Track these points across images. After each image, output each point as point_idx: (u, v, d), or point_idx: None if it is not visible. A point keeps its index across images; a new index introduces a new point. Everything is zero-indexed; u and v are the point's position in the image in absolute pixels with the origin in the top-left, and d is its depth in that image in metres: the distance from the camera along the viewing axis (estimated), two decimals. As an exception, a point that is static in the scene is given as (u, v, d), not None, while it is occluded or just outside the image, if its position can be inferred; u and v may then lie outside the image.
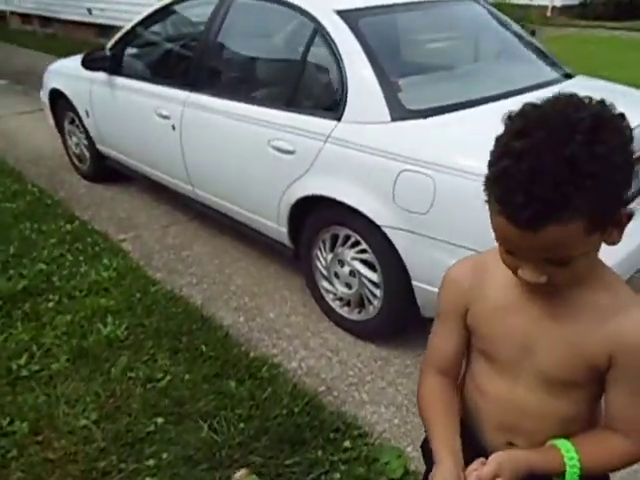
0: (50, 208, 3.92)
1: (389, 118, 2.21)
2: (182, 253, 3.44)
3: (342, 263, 2.56)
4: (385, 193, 2.14)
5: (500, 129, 0.78)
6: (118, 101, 3.59)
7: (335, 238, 2.55)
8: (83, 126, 4.10)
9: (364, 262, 2.46)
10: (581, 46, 9.33)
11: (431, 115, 2.24)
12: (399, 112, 2.23)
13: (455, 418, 0.97)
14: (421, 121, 2.22)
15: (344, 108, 2.32)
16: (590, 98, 0.77)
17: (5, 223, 3.65)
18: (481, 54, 3.28)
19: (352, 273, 2.52)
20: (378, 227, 2.25)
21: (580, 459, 0.87)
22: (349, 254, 2.51)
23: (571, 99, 0.77)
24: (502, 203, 0.74)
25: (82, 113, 4.00)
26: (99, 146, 4.05)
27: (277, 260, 3.25)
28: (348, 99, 2.31)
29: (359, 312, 2.61)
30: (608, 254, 2.06)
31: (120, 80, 3.55)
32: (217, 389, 2.29)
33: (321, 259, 2.66)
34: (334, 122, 2.34)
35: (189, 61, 3.22)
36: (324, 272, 2.68)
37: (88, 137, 4.11)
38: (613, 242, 0.80)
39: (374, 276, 2.43)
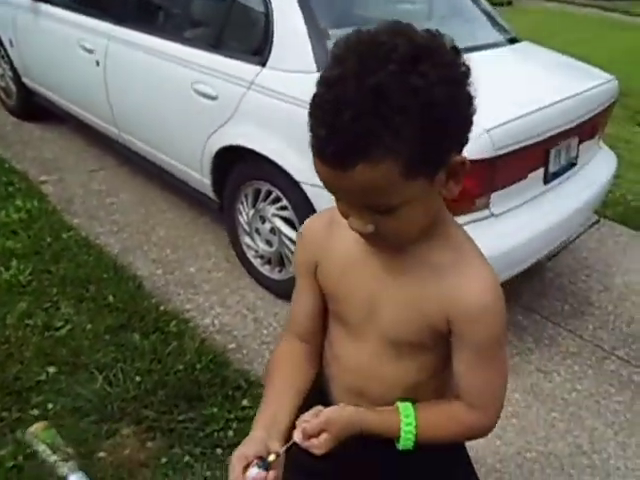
0: (-33, 143, 3.65)
1: (315, 68, 2.08)
2: (106, 200, 3.27)
3: (263, 219, 2.46)
4: (306, 148, 2.02)
5: None
6: (42, 30, 3.31)
7: (257, 193, 2.45)
8: (8, 56, 3.79)
9: (285, 219, 2.37)
10: (557, 19, 9.28)
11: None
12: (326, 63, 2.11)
13: (294, 387, 0.89)
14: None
15: (269, 53, 2.17)
16: (429, 30, 0.67)
17: None
18: (434, 14, 3.18)
19: (273, 230, 2.43)
20: (298, 183, 2.15)
21: (418, 425, 0.82)
22: (270, 210, 2.41)
23: (403, 27, 0.66)
24: (311, 137, 0.66)
25: (6, 42, 3.69)
26: (25, 79, 3.77)
27: (207, 214, 3.12)
28: (274, 44, 2.17)
29: (279, 271, 2.53)
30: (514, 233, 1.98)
31: (44, 7, 3.26)
32: (119, 341, 2.19)
33: (243, 214, 2.56)
34: (258, 68, 2.20)
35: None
36: (246, 228, 2.58)
37: (13, 69, 3.81)
38: (451, 194, 0.72)
39: (294, 234, 2.35)
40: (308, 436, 0.79)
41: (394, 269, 0.82)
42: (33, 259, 2.60)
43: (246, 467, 0.75)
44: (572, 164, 2.33)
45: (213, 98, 2.35)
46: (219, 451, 1.81)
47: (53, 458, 0.67)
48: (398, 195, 0.67)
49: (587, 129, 2.35)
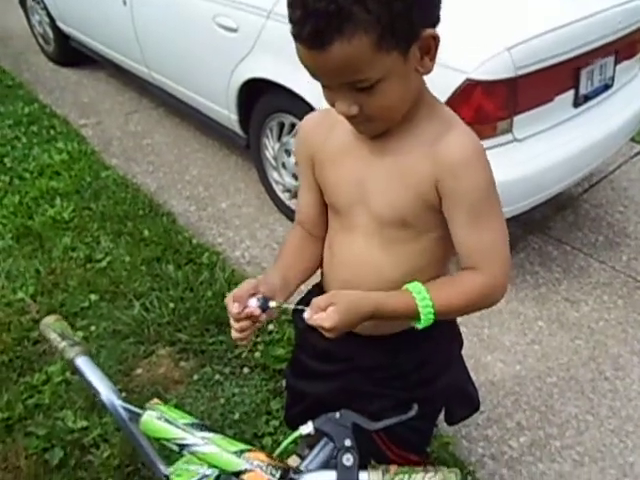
0: (11, 89, 3.80)
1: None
2: (142, 141, 3.36)
3: (288, 153, 2.49)
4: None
5: None
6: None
7: (282, 126, 2.46)
8: (43, 1, 3.85)
9: (309, 152, 2.39)
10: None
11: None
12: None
13: (301, 261, 0.97)
14: None
15: (287, -20, 2.12)
16: None
17: (-39, 103, 3.56)
18: None
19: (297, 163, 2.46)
20: (319, 114, 2.15)
21: (432, 297, 0.82)
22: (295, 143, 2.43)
23: None
24: (290, 23, 0.71)
25: (37, -14, 3.75)
26: (60, 24, 3.83)
27: (237, 152, 3.17)
28: (292, -31, 2.11)
29: (306, 205, 2.57)
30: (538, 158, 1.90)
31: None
32: (154, 272, 2.32)
33: (269, 148, 2.59)
34: (277, -5, 2.16)
35: None
36: (273, 162, 2.62)
37: (49, 14, 3.88)
38: (427, 70, 0.77)
39: (318, 167, 2.37)
40: (317, 309, 0.79)
41: (381, 152, 0.85)
42: (75, 197, 2.74)
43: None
44: (607, 86, 2.21)
45: (234, 30, 2.34)
46: (246, 370, 1.94)
47: (62, 344, 0.76)
48: (374, 69, 0.71)
49: (625, 47, 2.20)
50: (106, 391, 0.74)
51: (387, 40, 0.69)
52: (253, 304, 0.81)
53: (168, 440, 0.68)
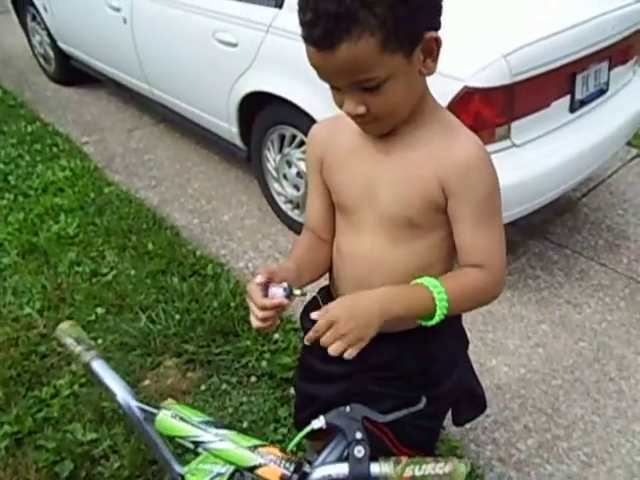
0: (13, 109, 3.85)
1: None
2: (144, 157, 3.40)
3: (289, 164, 2.52)
4: (325, 88, 2.06)
5: None
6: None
7: (282, 138, 2.50)
8: (44, 22, 3.92)
9: (310, 163, 2.42)
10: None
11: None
12: None
13: (312, 262, 0.99)
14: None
15: (285, -5, 2.18)
16: None
17: (-35, 123, 3.61)
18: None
19: (299, 174, 2.49)
20: (319, 125, 2.18)
21: (447, 291, 0.83)
22: (295, 154, 2.46)
23: None
24: (301, 26, 0.75)
25: (40, 8, 3.81)
26: (60, 44, 3.89)
27: (238, 164, 3.21)
28: (289, -15, 2.17)
29: (308, 215, 2.60)
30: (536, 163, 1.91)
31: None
32: (160, 284, 2.34)
33: (270, 160, 2.63)
34: (275, 10, 2.21)
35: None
36: (274, 174, 2.65)
37: (50, 35, 3.95)
38: (429, 71, 0.81)
39: (319, 177, 2.40)
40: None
41: (387, 152, 0.89)
42: (79, 213, 2.77)
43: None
44: (602, 91, 2.25)
45: (234, 45, 2.39)
46: (253, 379, 1.95)
47: (78, 348, 0.78)
48: (380, 69, 0.75)
49: (619, 53, 2.24)
50: (122, 392, 0.76)
51: (392, 42, 0.73)
52: (279, 294, 0.81)
53: (183, 438, 0.69)
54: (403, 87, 0.79)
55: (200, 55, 2.60)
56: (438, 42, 0.78)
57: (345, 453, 0.69)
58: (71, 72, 4.11)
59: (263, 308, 0.80)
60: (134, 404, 0.75)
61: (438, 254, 0.93)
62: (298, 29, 2.37)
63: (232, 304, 2.22)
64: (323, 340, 0.77)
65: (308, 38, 0.74)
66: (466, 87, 1.77)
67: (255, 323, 0.82)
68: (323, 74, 0.78)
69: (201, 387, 1.93)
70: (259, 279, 0.81)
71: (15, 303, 2.25)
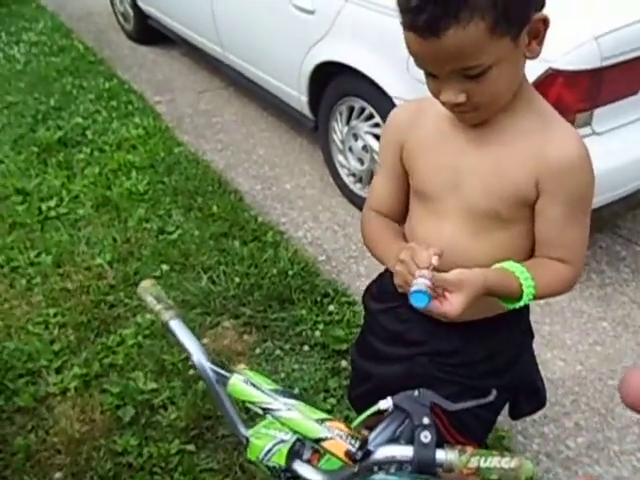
0: (93, 65, 3.99)
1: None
2: (212, 119, 3.47)
3: (356, 137, 2.51)
4: (400, 62, 2.01)
5: None
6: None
7: (351, 110, 2.48)
8: (125, -19, 4.00)
9: (377, 137, 2.40)
10: None
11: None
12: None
13: (398, 233, 1.00)
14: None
15: (367, -37, 2.12)
16: None
17: (49, 77, 3.77)
18: None
19: (365, 148, 2.48)
20: (391, 99, 2.15)
21: (534, 277, 0.84)
22: (363, 127, 2.44)
23: None
24: (403, 13, 0.73)
25: (123, -35, 3.89)
26: (139, 3, 3.97)
27: (303, 134, 3.22)
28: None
29: (370, 190, 2.59)
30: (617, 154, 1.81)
31: None
32: (222, 247, 2.42)
33: (337, 132, 2.62)
34: (356, -21, 2.16)
35: None
36: (340, 146, 2.64)
37: (130, -7, 4.03)
38: (535, 54, 0.77)
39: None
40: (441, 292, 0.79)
41: (479, 141, 0.86)
42: (149, 171, 2.88)
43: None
44: (700, 80, 2.08)
45: (310, 12, 2.36)
46: (306, 348, 2.00)
47: (157, 307, 0.83)
48: (487, 55, 0.72)
49: None
50: (197, 353, 0.80)
51: (501, 25, 0.70)
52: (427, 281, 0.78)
53: (253, 403, 0.73)
54: (508, 73, 0.76)
55: (276, 21, 2.60)
56: (546, 23, 0.75)
57: (397, 433, 0.71)
58: (148, 31, 4.19)
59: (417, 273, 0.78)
60: (208, 365, 0.79)
61: (520, 247, 0.92)
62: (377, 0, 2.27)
63: (290, 272, 2.27)
64: (445, 308, 0.78)
65: (412, 25, 0.72)
66: (551, 69, 1.69)
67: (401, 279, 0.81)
68: (423, 62, 0.76)
69: (256, 350, 2.00)
70: (435, 260, 0.79)
71: (88, 253, 2.39)
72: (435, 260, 0.79)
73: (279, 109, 3.08)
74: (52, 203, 2.64)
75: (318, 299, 2.17)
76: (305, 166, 3.03)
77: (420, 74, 0.82)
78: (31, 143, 3.04)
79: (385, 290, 1.03)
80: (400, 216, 1.03)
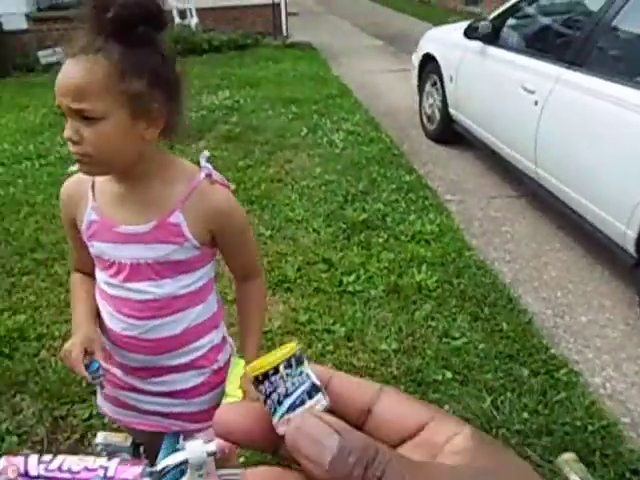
0: (395, 157, 4.36)
1: None
2: (502, 227, 3.42)
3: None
4: None
5: None
6: (484, 70, 3.66)
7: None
8: (443, 89, 4.33)
9: None
10: None
11: None
12: None
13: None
14: None
15: None
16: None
17: (359, 163, 4.23)
18: None
19: None
20: None
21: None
22: None
23: None
24: None
25: (446, 78, 4.22)
26: (451, 109, 4.24)
27: (606, 264, 2.93)
28: None
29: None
30: None
31: (492, 50, 3.60)
32: (508, 370, 2.27)
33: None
34: None
35: (572, 37, 3.03)
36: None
37: (443, 100, 4.34)
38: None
39: None
40: None
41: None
42: (439, 269, 2.93)
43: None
44: None
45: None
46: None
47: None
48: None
49: None
50: None
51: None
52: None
53: None
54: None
55: (621, 157, 2.45)
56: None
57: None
58: (449, 134, 4.44)
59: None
60: None
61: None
62: None
63: (589, 427, 1.98)
64: None
65: None
66: None
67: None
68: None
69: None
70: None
71: (376, 335, 2.48)
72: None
73: (582, 231, 2.88)
74: (351, 278, 2.85)
75: (624, 474, 1.83)
76: (606, 301, 2.73)
77: None
78: (340, 219, 3.39)
79: None
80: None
